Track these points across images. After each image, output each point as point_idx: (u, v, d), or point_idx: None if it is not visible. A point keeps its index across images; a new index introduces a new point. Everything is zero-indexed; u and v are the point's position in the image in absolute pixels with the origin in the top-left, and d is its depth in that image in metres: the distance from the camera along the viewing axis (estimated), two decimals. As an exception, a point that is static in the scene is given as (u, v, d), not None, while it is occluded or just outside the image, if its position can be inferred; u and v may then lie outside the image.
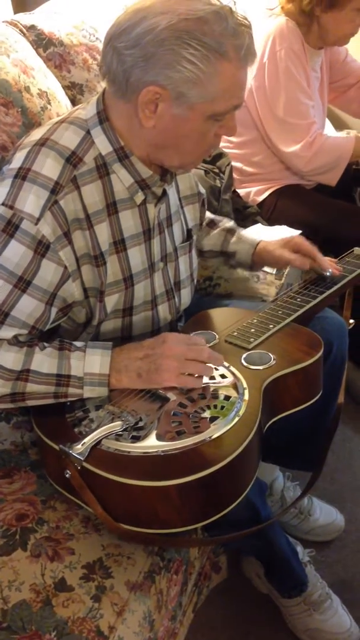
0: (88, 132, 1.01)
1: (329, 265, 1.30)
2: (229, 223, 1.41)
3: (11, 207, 0.96)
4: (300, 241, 1.32)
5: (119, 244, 1.06)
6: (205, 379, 1.01)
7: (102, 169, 1.02)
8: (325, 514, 1.53)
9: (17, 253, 0.96)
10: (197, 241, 1.40)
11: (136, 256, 1.08)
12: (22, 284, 0.97)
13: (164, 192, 1.09)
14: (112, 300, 1.07)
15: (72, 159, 0.99)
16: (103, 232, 1.03)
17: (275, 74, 1.74)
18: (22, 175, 0.97)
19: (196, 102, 0.94)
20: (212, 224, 1.41)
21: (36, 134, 1.02)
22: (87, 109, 1.03)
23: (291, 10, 1.75)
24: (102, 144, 1.01)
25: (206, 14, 0.90)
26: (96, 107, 1.02)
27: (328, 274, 1.29)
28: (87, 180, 1.00)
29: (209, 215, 1.43)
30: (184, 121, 0.96)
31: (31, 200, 0.96)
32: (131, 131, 1.00)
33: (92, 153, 1.01)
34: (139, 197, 1.05)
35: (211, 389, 1.01)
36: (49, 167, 0.97)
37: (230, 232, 1.39)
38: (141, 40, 0.91)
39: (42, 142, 0.99)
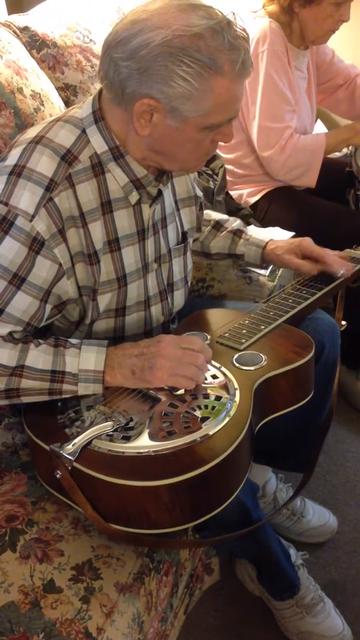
0: (83, 130, 1.02)
1: (340, 265, 1.29)
2: (235, 223, 1.41)
3: (6, 204, 0.96)
4: (309, 246, 1.31)
5: (113, 243, 1.06)
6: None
7: (98, 168, 1.02)
8: (318, 516, 1.53)
9: (11, 249, 0.97)
10: (204, 244, 1.41)
11: (130, 256, 1.08)
12: (17, 280, 0.97)
13: (159, 193, 1.09)
14: (104, 299, 1.07)
15: (67, 157, 0.99)
16: (97, 230, 1.03)
17: (255, 76, 1.74)
18: (17, 172, 0.97)
19: (190, 116, 0.95)
20: (218, 225, 1.41)
21: (32, 132, 1.02)
22: (83, 108, 1.04)
23: (273, 10, 1.76)
24: (97, 143, 1.01)
25: (202, 29, 0.90)
26: (91, 107, 1.02)
27: (340, 274, 1.28)
28: (82, 179, 1.00)
29: (214, 216, 1.43)
30: (178, 131, 0.97)
31: (26, 197, 0.96)
32: (128, 136, 1.01)
33: (88, 152, 1.01)
34: (134, 196, 1.05)
35: (202, 389, 1.01)
36: (44, 164, 0.97)
37: (237, 233, 1.39)
38: (136, 54, 0.91)
39: (38, 140, 0.99)
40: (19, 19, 1.54)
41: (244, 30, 0.94)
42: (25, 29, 1.51)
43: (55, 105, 1.45)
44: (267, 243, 1.35)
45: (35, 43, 1.51)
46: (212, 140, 1.01)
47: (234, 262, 1.43)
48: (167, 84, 0.91)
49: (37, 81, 1.42)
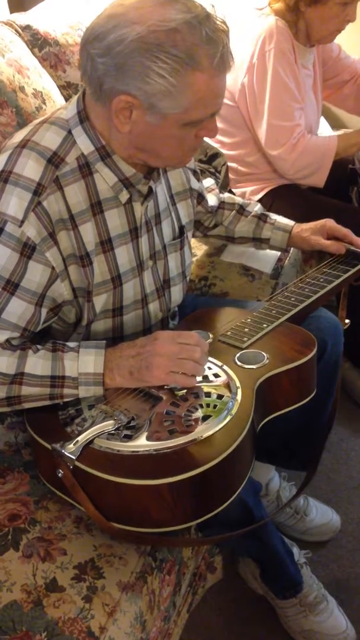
0: (69, 132, 1.01)
1: None
2: (257, 207, 1.44)
3: None
4: (334, 226, 1.36)
5: (106, 244, 1.05)
6: (199, 378, 1.01)
7: (85, 169, 1.01)
8: (321, 514, 1.52)
9: (2, 256, 0.96)
10: (229, 229, 1.43)
11: (123, 255, 1.08)
12: (10, 286, 0.97)
13: (150, 190, 1.08)
14: (100, 300, 1.07)
15: (54, 160, 0.98)
16: (88, 232, 1.02)
17: (263, 75, 1.74)
18: (4, 178, 0.97)
19: (169, 113, 0.93)
20: (242, 210, 1.43)
21: (18, 136, 1.01)
22: (68, 109, 1.03)
23: (280, 8, 1.75)
24: (84, 144, 1.01)
25: (178, 24, 0.88)
26: (76, 107, 1.01)
27: None
28: (69, 181, 1.00)
29: (237, 200, 1.45)
30: (159, 128, 0.95)
31: (14, 203, 0.95)
32: (111, 133, 1.00)
33: (74, 153, 1.00)
34: (124, 195, 1.05)
35: (204, 388, 1.01)
36: (31, 168, 0.96)
37: (262, 218, 1.42)
38: (112, 50, 0.90)
39: (23, 144, 0.98)
40: (21, 18, 1.54)
41: (224, 22, 0.92)
42: (27, 27, 1.51)
43: (57, 103, 1.45)
44: (292, 227, 1.39)
45: (37, 41, 1.51)
46: (196, 135, 1.00)
47: (256, 245, 1.46)
48: (144, 80, 0.90)
49: (38, 80, 1.42)
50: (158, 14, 0.88)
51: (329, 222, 1.37)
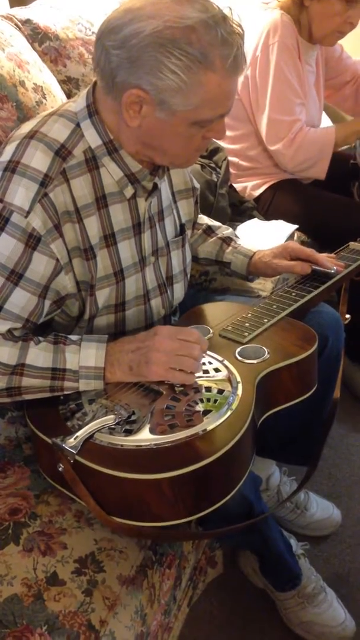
0: (78, 125, 1.01)
1: (331, 262, 1.29)
2: (227, 231, 1.40)
3: (1, 200, 0.96)
4: (296, 247, 1.31)
5: (109, 238, 1.05)
6: (199, 373, 1.01)
7: (92, 162, 1.02)
8: (321, 509, 1.53)
9: (8, 246, 0.96)
10: (193, 247, 1.39)
11: (126, 250, 1.08)
12: (14, 277, 0.97)
13: (155, 186, 1.09)
14: (103, 295, 1.07)
15: (62, 152, 0.99)
16: (93, 225, 1.02)
17: (265, 68, 1.74)
18: (12, 168, 0.97)
19: (179, 110, 0.93)
20: (209, 231, 1.39)
21: (26, 127, 1.01)
22: (77, 102, 1.03)
23: (286, 2, 1.75)
24: (92, 137, 1.01)
25: (195, 22, 0.88)
26: (86, 100, 1.02)
27: (333, 271, 1.28)
28: (76, 174, 1.00)
29: (206, 221, 1.42)
30: (168, 125, 0.96)
31: (21, 193, 0.95)
32: (119, 127, 1.00)
33: (82, 146, 1.01)
34: (129, 191, 1.05)
35: (204, 382, 1.01)
36: (38, 159, 0.97)
37: (226, 241, 1.37)
38: (127, 43, 0.90)
39: (32, 135, 0.99)
40: (21, 12, 1.53)
41: (239, 25, 0.93)
42: (27, 21, 1.50)
43: (57, 98, 1.45)
44: (254, 253, 1.33)
45: (37, 36, 1.51)
46: (204, 137, 1.00)
47: (220, 269, 1.41)
48: (156, 75, 0.90)
49: (39, 74, 1.42)
50: (175, 10, 0.89)
51: (292, 244, 1.32)
